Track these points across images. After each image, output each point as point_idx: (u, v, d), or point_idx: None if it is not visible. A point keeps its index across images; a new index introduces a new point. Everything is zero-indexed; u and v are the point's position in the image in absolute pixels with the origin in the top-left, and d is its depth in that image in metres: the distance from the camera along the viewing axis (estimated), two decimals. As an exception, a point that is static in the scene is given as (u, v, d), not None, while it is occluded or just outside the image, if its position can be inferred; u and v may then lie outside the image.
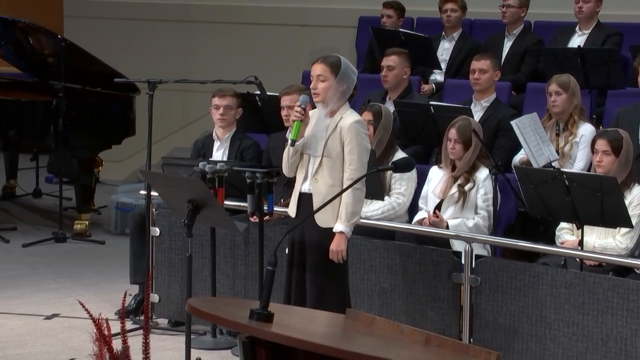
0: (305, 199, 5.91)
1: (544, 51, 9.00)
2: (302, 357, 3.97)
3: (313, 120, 5.96)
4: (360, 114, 7.50)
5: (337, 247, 5.80)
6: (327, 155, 5.88)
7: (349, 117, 5.89)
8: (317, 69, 5.96)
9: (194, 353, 6.02)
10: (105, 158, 10.66)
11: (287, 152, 5.97)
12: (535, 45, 9.36)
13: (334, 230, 5.79)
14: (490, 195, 6.87)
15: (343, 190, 5.54)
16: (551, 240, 6.79)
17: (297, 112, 5.92)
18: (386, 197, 7.18)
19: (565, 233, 6.72)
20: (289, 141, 5.91)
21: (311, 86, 5.98)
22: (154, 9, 12.62)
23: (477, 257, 6.32)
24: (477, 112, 8.04)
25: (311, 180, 5.90)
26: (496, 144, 7.90)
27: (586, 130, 7.51)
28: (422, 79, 9.59)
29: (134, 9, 12.68)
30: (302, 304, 5.84)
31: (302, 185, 5.95)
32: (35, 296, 7.97)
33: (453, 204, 6.92)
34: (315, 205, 5.79)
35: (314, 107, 6.05)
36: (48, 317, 7.46)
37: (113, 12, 12.74)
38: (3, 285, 8.20)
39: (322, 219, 5.76)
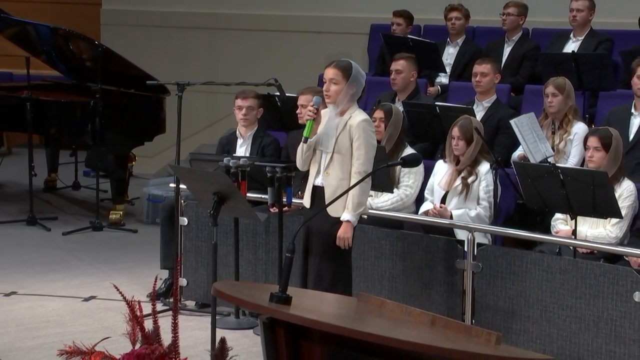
0: (318, 192, 5.90)
1: (541, 56, 8.96)
2: (317, 337, 3.96)
3: (324, 119, 5.94)
4: (372, 113, 7.50)
5: (343, 234, 5.81)
6: (337, 152, 5.86)
7: (357, 116, 5.87)
8: (330, 73, 5.93)
9: (219, 332, 6.01)
10: (138, 154, 10.67)
11: (301, 148, 5.96)
12: (533, 50, 9.32)
13: (341, 219, 5.79)
14: (492, 187, 6.85)
15: (353, 185, 5.51)
16: (547, 230, 6.77)
17: (310, 111, 5.90)
18: (395, 190, 7.17)
19: (560, 223, 6.69)
20: (303, 138, 5.90)
21: (324, 88, 5.96)
22: (183, 17, 12.61)
23: (479, 245, 6.30)
24: (479, 112, 8.02)
25: (323, 174, 5.90)
26: (496, 141, 7.87)
27: (579, 128, 7.47)
28: (429, 82, 9.56)
29: (165, 17, 12.68)
30: (312, 286, 5.85)
31: (315, 179, 5.95)
32: (74, 280, 7.98)
33: (457, 195, 6.90)
34: (327, 196, 5.80)
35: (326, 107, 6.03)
36: (86, 299, 7.47)
37: (145, 20, 12.73)
38: (45, 270, 8.21)
39: (331, 209, 5.75)
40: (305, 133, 5.89)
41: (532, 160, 7.00)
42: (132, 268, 8.37)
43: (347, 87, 5.87)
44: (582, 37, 9.10)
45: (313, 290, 5.52)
